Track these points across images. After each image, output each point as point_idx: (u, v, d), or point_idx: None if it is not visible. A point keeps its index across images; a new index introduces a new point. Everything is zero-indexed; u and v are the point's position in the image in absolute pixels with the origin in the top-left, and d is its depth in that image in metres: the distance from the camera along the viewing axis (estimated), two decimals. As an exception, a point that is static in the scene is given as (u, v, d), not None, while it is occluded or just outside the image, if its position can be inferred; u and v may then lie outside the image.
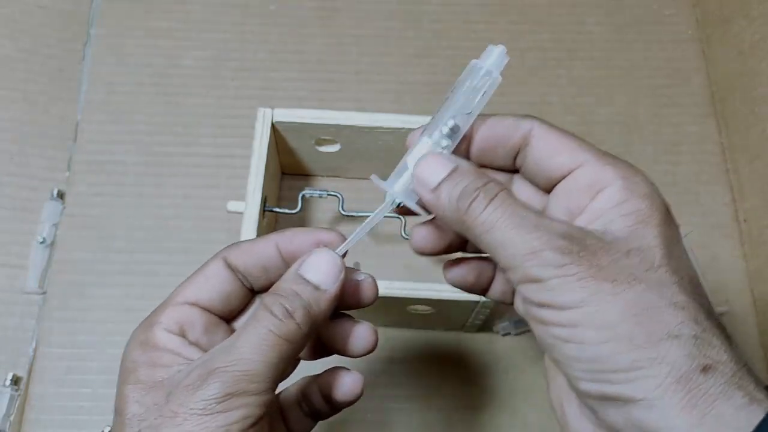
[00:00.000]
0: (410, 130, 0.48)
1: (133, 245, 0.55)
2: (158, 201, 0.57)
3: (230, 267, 0.30)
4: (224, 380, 0.26)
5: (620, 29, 0.65)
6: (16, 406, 0.50)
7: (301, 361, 0.32)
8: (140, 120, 0.59)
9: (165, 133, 0.59)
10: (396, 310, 0.47)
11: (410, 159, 0.29)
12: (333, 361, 0.33)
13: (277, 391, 0.29)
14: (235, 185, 0.57)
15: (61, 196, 0.56)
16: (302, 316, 0.27)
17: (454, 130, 0.29)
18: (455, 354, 0.53)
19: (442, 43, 0.64)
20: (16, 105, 0.59)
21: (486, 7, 0.65)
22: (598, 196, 0.27)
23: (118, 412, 0.27)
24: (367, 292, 0.31)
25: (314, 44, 0.63)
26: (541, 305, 0.26)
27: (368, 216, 0.30)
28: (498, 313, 0.51)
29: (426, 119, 0.47)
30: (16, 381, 0.50)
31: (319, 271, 0.28)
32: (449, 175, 0.28)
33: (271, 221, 0.54)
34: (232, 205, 0.48)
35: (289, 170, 0.57)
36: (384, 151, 0.51)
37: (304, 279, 0.28)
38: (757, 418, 0.23)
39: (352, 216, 0.51)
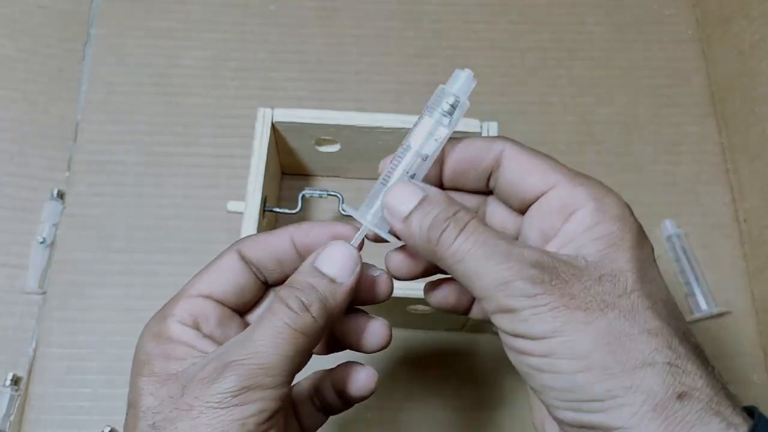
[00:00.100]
0: (410, 130, 0.49)
1: (133, 245, 0.55)
2: (158, 201, 0.57)
3: (244, 259, 0.30)
4: (240, 373, 0.25)
5: (620, 29, 0.65)
6: (16, 406, 0.50)
7: (313, 356, 0.32)
8: (140, 120, 0.59)
9: (165, 133, 0.59)
10: (396, 310, 0.47)
11: (380, 189, 0.30)
12: (341, 356, 0.33)
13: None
14: (235, 185, 0.57)
15: (61, 196, 0.56)
16: (318, 310, 0.27)
17: (423, 158, 0.29)
18: (455, 354, 0.53)
19: (442, 43, 0.64)
20: (16, 105, 0.59)
21: (486, 7, 0.65)
22: (571, 219, 0.27)
23: (132, 404, 0.27)
24: (382, 288, 0.31)
25: (314, 44, 0.63)
26: (516, 335, 0.26)
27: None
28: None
29: (426, 119, 0.48)
30: (16, 381, 0.50)
31: (335, 264, 0.28)
32: (419, 204, 0.27)
33: (271, 221, 0.54)
34: (232, 205, 0.48)
35: (289, 170, 0.57)
36: (384, 151, 0.50)
37: (320, 272, 0.28)
38: None
39: (352, 216, 0.51)
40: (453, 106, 0.29)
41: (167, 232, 0.56)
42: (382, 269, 0.31)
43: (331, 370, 0.32)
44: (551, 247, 0.27)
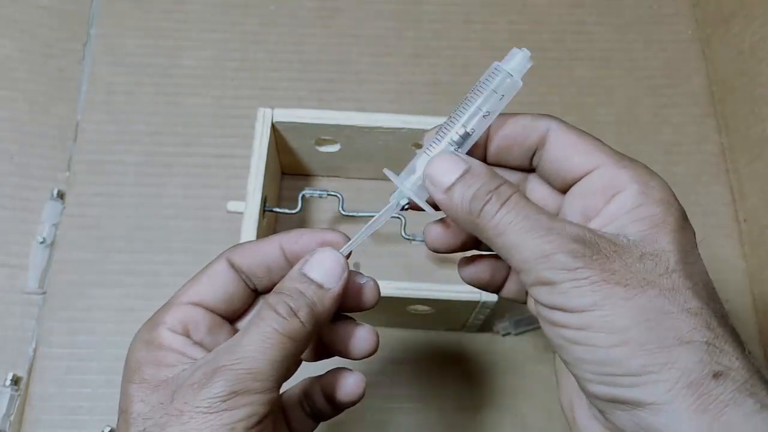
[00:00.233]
0: (410, 130, 0.49)
1: (133, 245, 0.55)
2: (158, 201, 0.57)
3: (234, 267, 0.30)
4: (229, 378, 0.26)
5: (620, 29, 0.65)
6: (16, 406, 0.50)
7: (303, 363, 0.32)
8: (140, 120, 0.59)
9: (165, 133, 0.59)
10: (396, 310, 0.47)
11: (422, 159, 0.29)
12: (334, 362, 0.33)
13: (280, 392, 0.29)
14: (235, 185, 0.57)
15: (61, 196, 0.56)
16: (306, 315, 0.27)
17: (469, 132, 0.29)
18: (455, 354, 0.53)
19: (442, 43, 0.64)
20: (16, 105, 0.59)
21: (486, 7, 0.65)
22: (613, 200, 0.27)
23: (123, 410, 0.27)
24: (369, 295, 0.31)
25: (314, 44, 0.63)
26: (553, 308, 0.26)
27: (369, 216, 0.30)
28: (498, 313, 0.51)
29: (426, 119, 0.48)
30: (16, 381, 0.50)
31: (322, 270, 0.28)
32: (462, 176, 0.27)
33: (271, 221, 0.54)
34: (232, 205, 0.48)
35: (289, 170, 0.57)
36: (384, 151, 0.51)
37: (308, 277, 0.28)
38: (767, 425, 0.23)
39: (352, 216, 0.51)
40: (503, 85, 0.29)
41: (167, 232, 0.56)
42: (368, 277, 0.31)
43: (321, 376, 0.32)
44: (592, 226, 0.27)
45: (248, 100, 0.60)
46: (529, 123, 0.30)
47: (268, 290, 0.32)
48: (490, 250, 0.32)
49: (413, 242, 0.50)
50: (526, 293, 0.31)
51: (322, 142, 0.52)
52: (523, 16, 0.65)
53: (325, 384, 0.32)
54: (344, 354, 0.31)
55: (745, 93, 0.58)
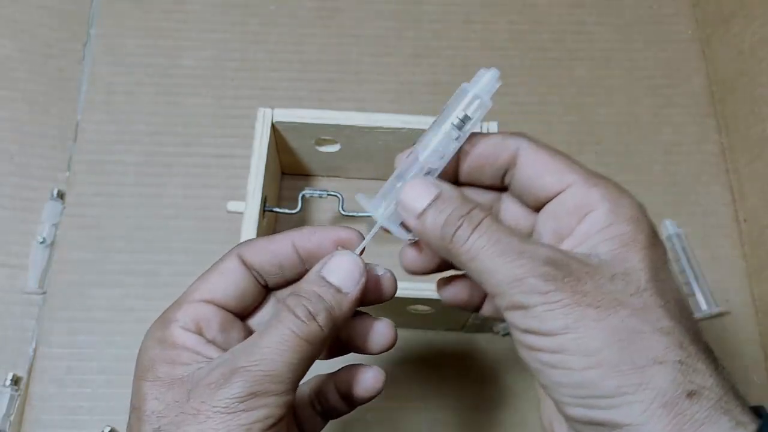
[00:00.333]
0: (410, 130, 0.49)
1: (133, 245, 0.55)
2: (158, 201, 0.57)
3: (245, 264, 0.30)
4: (247, 379, 0.26)
5: (620, 29, 0.65)
6: (16, 406, 0.50)
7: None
8: (140, 120, 0.59)
9: (165, 133, 0.59)
10: (396, 310, 0.47)
11: (396, 182, 0.30)
12: (337, 360, 0.33)
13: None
14: (235, 185, 0.57)
15: (61, 196, 0.56)
16: (324, 319, 0.28)
17: (440, 156, 0.29)
18: (455, 354, 0.53)
19: (442, 43, 0.64)
20: (16, 105, 0.59)
21: (486, 7, 0.65)
22: (585, 219, 0.27)
23: (136, 407, 0.27)
24: (387, 287, 0.31)
25: (314, 44, 0.63)
26: (527, 331, 0.26)
27: (369, 216, 0.30)
28: (498, 313, 0.51)
29: (426, 119, 0.48)
30: (16, 381, 0.50)
31: (341, 274, 0.29)
32: (433, 201, 0.28)
33: (271, 221, 0.54)
34: (232, 205, 0.48)
35: (289, 170, 0.57)
36: (384, 151, 0.51)
37: (327, 281, 0.28)
38: None
39: (352, 216, 0.51)
40: (473, 107, 0.29)
41: (167, 232, 0.56)
42: (386, 269, 0.31)
43: (335, 373, 0.32)
44: (565, 246, 0.27)
45: (248, 100, 0.60)
46: (499, 142, 0.30)
47: (279, 287, 0.32)
48: None
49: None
50: None
51: (322, 142, 0.52)
52: (523, 16, 0.65)
53: (341, 380, 0.32)
54: (362, 349, 0.31)
55: (745, 93, 0.58)
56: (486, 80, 0.29)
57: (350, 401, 0.32)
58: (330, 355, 0.32)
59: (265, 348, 0.26)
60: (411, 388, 0.52)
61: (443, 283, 0.32)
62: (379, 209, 0.30)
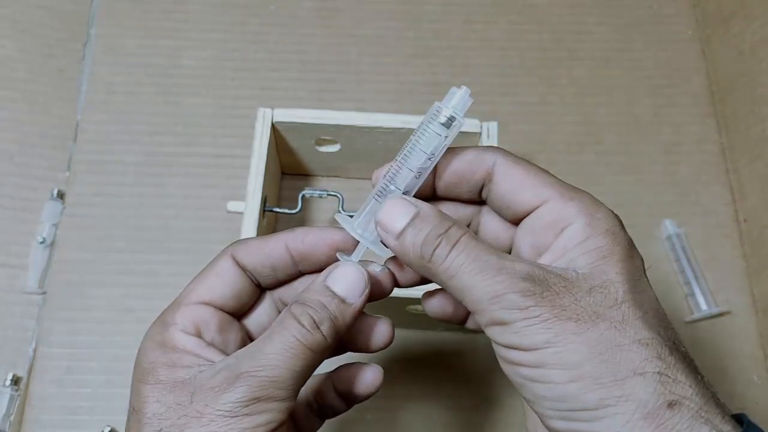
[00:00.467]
0: (410, 130, 0.49)
1: (133, 245, 0.55)
2: (158, 201, 0.57)
3: (239, 265, 0.31)
4: (251, 384, 0.26)
5: (620, 29, 0.65)
6: (16, 406, 0.50)
7: None
8: (140, 120, 0.59)
9: (165, 133, 0.59)
10: (395, 310, 0.47)
11: (372, 204, 0.30)
12: (333, 359, 0.33)
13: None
14: (235, 185, 0.57)
15: (61, 196, 0.56)
16: (328, 329, 0.28)
17: (416, 176, 0.29)
18: (454, 354, 0.53)
19: (442, 43, 0.64)
20: (16, 105, 0.59)
21: (486, 7, 0.65)
22: (562, 234, 0.28)
23: (136, 410, 0.27)
24: (386, 283, 0.31)
25: (314, 44, 0.63)
26: (508, 347, 0.26)
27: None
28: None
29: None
30: (16, 381, 0.50)
31: (346, 285, 0.29)
32: (411, 221, 0.28)
33: (271, 221, 0.54)
34: (232, 205, 0.48)
35: (289, 170, 0.57)
36: (384, 151, 0.51)
37: (332, 291, 0.29)
38: None
39: (352, 216, 0.51)
40: (447, 124, 0.29)
41: (167, 232, 0.56)
42: (382, 266, 0.31)
43: (333, 372, 0.33)
44: (543, 261, 0.28)
45: (248, 100, 0.60)
46: (474, 158, 0.30)
47: (272, 287, 0.32)
48: None
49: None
50: None
51: (322, 142, 0.52)
52: (523, 16, 0.65)
53: (340, 379, 0.32)
54: (360, 348, 0.32)
55: (745, 93, 0.58)
56: (458, 98, 0.29)
57: (348, 400, 0.32)
58: (330, 354, 0.32)
59: (269, 354, 0.27)
60: (410, 388, 0.52)
61: (428, 296, 0.33)
62: (359, 230, 0.30)
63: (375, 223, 0.29)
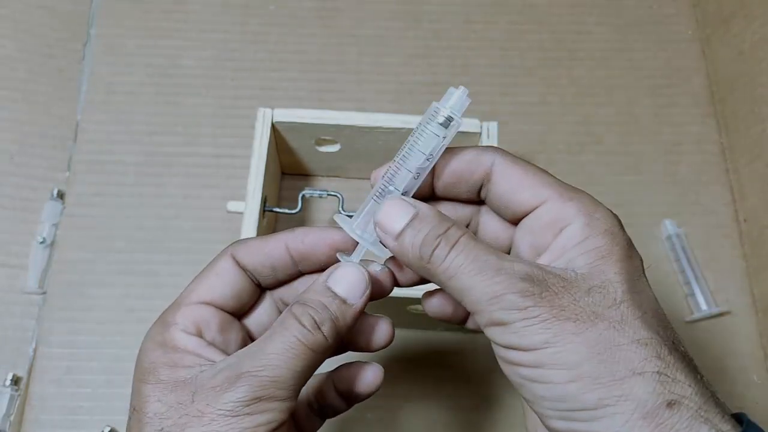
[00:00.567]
0: (410, 130, 0.48)
1: (133, 245, 0.55)
2: (158, 201, 0.57)
3: (239, 265, 0.31)
4: (252, 384, 0.26)
5: (620, 29, 0.65)
6: (16, 406, 0.50)
7: None
8: (140, 120, 0.59)
9: (165, 133, 0.59)
10: (396, 310, 0.47)
11: (371, 205, 0.30)
12: (334, 359, 0.33)
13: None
14: (235, 185, 0.57)
15: (61, 196, 0.56)
16: (329, 329, 0.28)
17: (414, 176, 0.29)
18: (454, 353, 0.53)
19: (442, 43, 0.64)
20: (16, 105, 0.59)
21: (486, 7, 0.65)
22: (561, 234, 0.28)
23: (137, 409, 0.27)
24: (386, 283, 0.31)
25: (314, 44, 0.63)
26: (508, 347, 0.26)
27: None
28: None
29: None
30: (16, 381, 0.50)
31: (347, 285, 0.29)
32: (410, 222, 0.28)
33: (271, 221, 0.54)
34: (232, 205, 0.48)
35: (289, 170, 0.57)
36: (384, 151, 0.51)
37: (333, 292, 0.29)
38: None
39: (351, 216, 0.51)
40: (445, 124, 0.29)
41: (167, 232, 0.56)
42: (383, 265, 0.31)
43: (334, 371, 0.33)
44: (542, 261, 0.28)
45: (248, 100, 0.60)
46: (473, 158, 0.30)
47: (272, 287, 0.32)
48: None
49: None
50: None
51: (322, 142, 0.52)
52: (523, 16, 0.65)
53: (340, 378, 0.32)
54: (361, 347, 0.32)
55: (745, 93, 0.58)
56: (456, 98, 0.29)
57: (349, 399, 0.32)
58: (331, 354, 0.32)
59: (270, 354, 0.27)
60: (410, 388, 0.52)
61: (428, 296, 0.33)
62: (357, 231, 0.30)
63: (374, 223, 0.29)
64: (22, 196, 0.56)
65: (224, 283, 0.30)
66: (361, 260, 0.30)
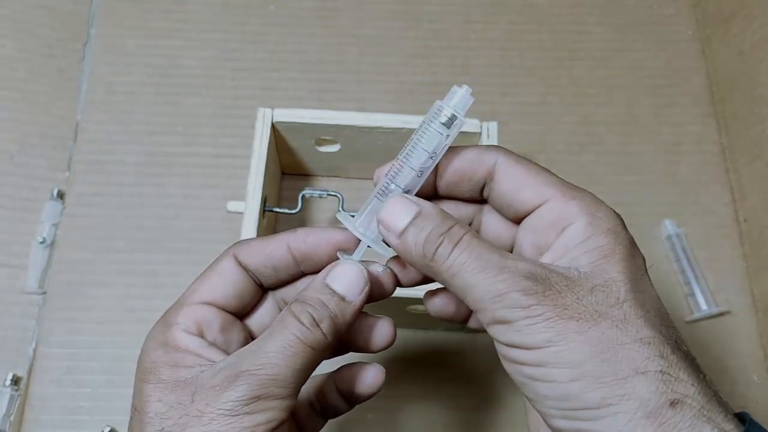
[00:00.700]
0: (410, 130, 0.49)
1: (133, 245, 0.55)
2: (158, 201, 0.57)
3: (241, 265, 0.31)
4: (252, 383, 0.26)
5: (620, 29, 0.65)
6: (16, 406, 0.50)
7: None
8: (140, 120, 0.59)
9: (165, 133, 0.59)
10: (396, 310, 0.47)
11: (374, 203, 0.30)
12: (334, 360, 0.33)
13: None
14: (235, 185, 0.57)
15: (61, 196, 0.56)
16: (328, 327, 0.28)
17: (418, 174, 0.29)
18: (454, 354, 0.53)
19: (442, 43, 0.64)
20: (16, 105, 0.59)
21: (486, 7, 0.65)
22: (564, 233, 0.28)
23: (138, 409, 0.27)
24: (388, 284, 0.31)
25: (314, 44, 0.63)
26: (511, 346, 0.26)
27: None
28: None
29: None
30: (16, 381, 0.50)
31: (345, 283, 0.29)
32: (413, 219, 0.28)
33: (271, 221, 0.54)
34: (232, 205, 0.48)
35: (289, 170, 0.57)
36: (384, 151, 0.51)
37: (331, 289, 0.29)
38: None
39: (352, 216, 0.51)
40: (448, 123, 0.29)
41: (167, 232, 0.56)
42: (384, 265, 0.31)
43: (335, 372, 0.33)
44: (545, 260, 0.28)
45: (248, 100, 0.60)
46: (476, 157, 0.30)
47: (274, 287, 0.32)
48: None
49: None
50: None
51: (322, 142, 0.52)
52: (523, 16, 0.65)
53: (342, 379, 0.32)
54: (362, 348, 0.32)
55: (745, 93, 0.58)
56: (459, 97, 0.29)
57: (351, 399, 0.32)
58: (331, 354, 0.32)
59: (270, 352, 0.27)
60: (410, 388, 0.52)
61: (430, 295, 0.33)
62: (360, 229, 0.30)
63: (377, 221, 0.29)
64: (22, 196, 0.56)
65: (226, 283, 0.30)
66: (362, 261, 0.30)
